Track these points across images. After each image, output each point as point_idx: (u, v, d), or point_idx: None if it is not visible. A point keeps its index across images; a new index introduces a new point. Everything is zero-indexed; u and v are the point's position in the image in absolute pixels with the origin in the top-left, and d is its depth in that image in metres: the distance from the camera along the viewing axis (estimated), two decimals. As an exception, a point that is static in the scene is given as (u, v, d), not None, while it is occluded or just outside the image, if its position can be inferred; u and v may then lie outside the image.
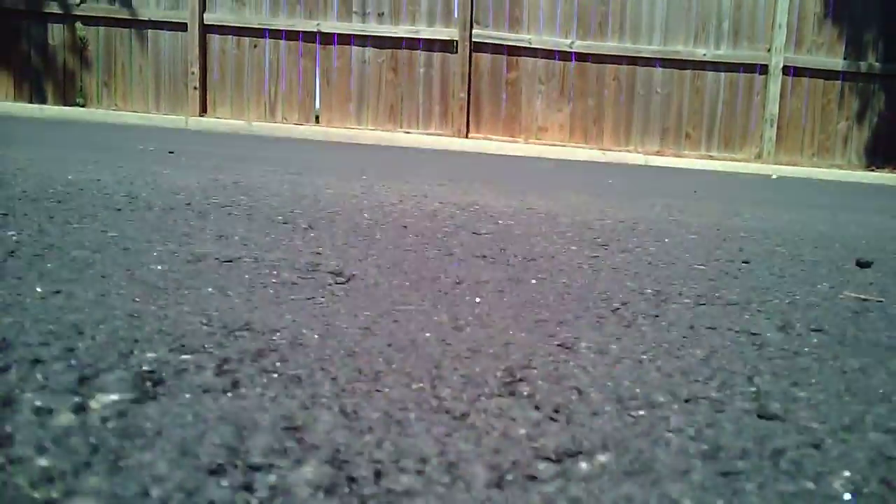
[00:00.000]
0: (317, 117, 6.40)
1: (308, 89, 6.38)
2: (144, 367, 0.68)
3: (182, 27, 6.30)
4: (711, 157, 6.15)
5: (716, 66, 6.19)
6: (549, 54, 6.23)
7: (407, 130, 6.29)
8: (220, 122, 5.21)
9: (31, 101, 6.43)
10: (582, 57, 6.23)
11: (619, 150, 5.54)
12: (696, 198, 3.02)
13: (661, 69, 6.23)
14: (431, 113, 6.32)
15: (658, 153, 5.91)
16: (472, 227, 1.77)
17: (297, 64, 6.35)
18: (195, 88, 6.29)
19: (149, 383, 0.65)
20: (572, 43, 6.20)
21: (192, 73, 6.29)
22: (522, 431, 0.62)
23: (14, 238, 1.23)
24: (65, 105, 6.35)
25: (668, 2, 6.18)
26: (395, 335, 0.86)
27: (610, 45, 6.20)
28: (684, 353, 0.87)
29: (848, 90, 6.17)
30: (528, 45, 6.21)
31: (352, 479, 0.51)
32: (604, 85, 6.26)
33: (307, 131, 5.73)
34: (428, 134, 6.26)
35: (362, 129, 6.29)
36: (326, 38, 6.30)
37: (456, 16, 6.21)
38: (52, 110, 5.25)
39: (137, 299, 0.91)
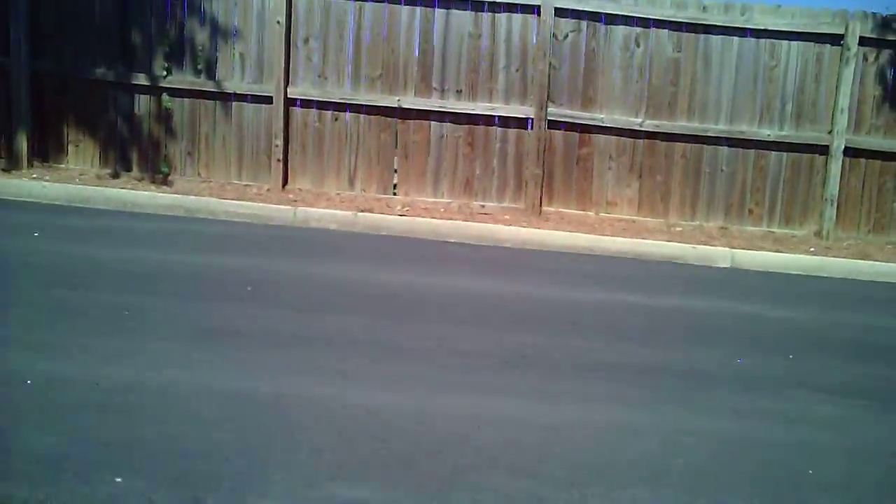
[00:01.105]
0: (394, 189, 6.64)
1: (386, 162, 6.62)
2: None
3: (267, 100, 6.52)
4: (772, 233, 6.46)
5: (779, 146, 6.49)
6: (620, 132, 6.51)
7: (482, 203, 6.56)
8: (323, 213, 5.44)
9: (116, 168, 6.65)
10: (651, 135, 6.50)
11: (703, 245, 5.79)
12: None
13: (726, 148, 6.51)
14: (506, 187, 6.59)
15: (733, 241, 6.20)
16: None
17: (377, 137, 6.59)
18: (278, 161, 6.53)
19: None
20: (643, 122, 6.47)
21: (276, 145, 6.52)
22: None
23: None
24: (150, 173, 6.58)
25: (735, 84, 6.46)
26: None
27: (679, 125, 6.48)
28: None
29: (903, 171, 6.48)
30: (600, 124, 6.48)
31: None
32: (672, 162, 6.54)
33: (413, 224, 5.97)
34: (503, 207, 6.53)
35: (438, 198, 6.54)
36: (406, 114, 6.54)
37: (532, 95, 6.47)
38: (166, 198, 5.46)
39: None
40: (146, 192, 5.38)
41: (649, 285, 4.05)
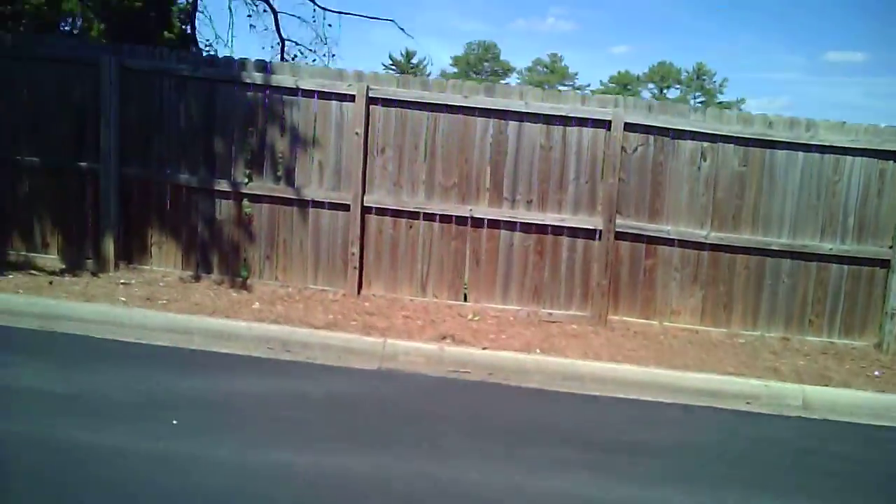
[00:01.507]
0: (465, 295, 6.89)
1: (457, 269, 6.86)
2: None
3: (344, 208, 6.77)
4: (833, 344, 6.67)
5: (840, 259, 6.66)
6: (685, 244, 6.70)
7: (550, 311, 6.79)
8: (409, 346, 5.68)
9: (197, 271, 6.94)
10: (716, 247, 6.70)
11: (770, 369, 6.00)
12: None
13: (788, 260, 6.70)
14: (573, 295, 6.81)
15: (796, 357, 6.40)
16: None
17: (449, 245, 6.82)
18: (354, 268, 6.79)
19: None
20: (708, 234, 6.67)
21: (353, 253, 6.77)
22: None
23: None
24: (229, 276, 6.87)
25: (798, 198, 6.64)
26: None
27: (743, 238, 6.67)
28: None
29: (962, 285, 6.66)
30: (666, 236, 6.69)
31: None
32: (734, 273, 6.74)
33: (497, 360, 6.21)
34: (569, 315, 6.76)
35: (508, 306, 6.79)
36: (478, 222, 6.77)
37: (600, 206, 6.68)
38: (260, 328, 5.74)
39: None
40: (244, 323, 5.64)
41: (741, 464, 4.25)
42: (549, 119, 6.63)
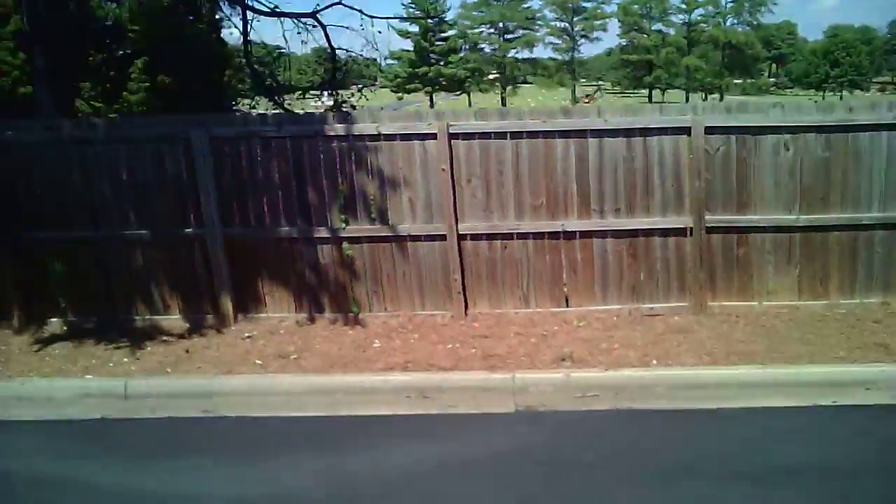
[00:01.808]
0: (567, 303, 7.22)
1: (556, 279, 7.17)
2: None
3: (441, 237, 7.07)
4: (931, 305, 6.89)
5: (932, 223, 6.79)
6: (776, 230, 6.88)
7: (650, 306, 7.10)
8: (538, 378, 6.04)
9: (311, 313, 7.37)
10: (806, 229, 6.86)
11: (881, 347, 6.27)
12: None
13: (881, 231, 6.84)
14: (670, 289, 7.10)
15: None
16: None
17: (545, 258, 7.11)
18: (458, 293, 7.15)
19: None
20: (797, 218, 6.82)
21: (455, 279, 7.12)
22: None
23: None
24: (342, 314, 7.29)
25: (886, 174, 6.71)
26: None
27: (832, 217, 6.81)
28: None
29: None
30: (756, 224, 6.86)
31: None
32: (827, 250, 6.92)
33: (620, 380, 6.53)
34: (670, 308, 7.06)
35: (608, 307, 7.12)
36: (569, 235, 7.03)
37: (688, 206, 6.85)
38: (396, 381, 6.19)
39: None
40: (379, 377, 6.07)
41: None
42: (629, 132, 6.74)
